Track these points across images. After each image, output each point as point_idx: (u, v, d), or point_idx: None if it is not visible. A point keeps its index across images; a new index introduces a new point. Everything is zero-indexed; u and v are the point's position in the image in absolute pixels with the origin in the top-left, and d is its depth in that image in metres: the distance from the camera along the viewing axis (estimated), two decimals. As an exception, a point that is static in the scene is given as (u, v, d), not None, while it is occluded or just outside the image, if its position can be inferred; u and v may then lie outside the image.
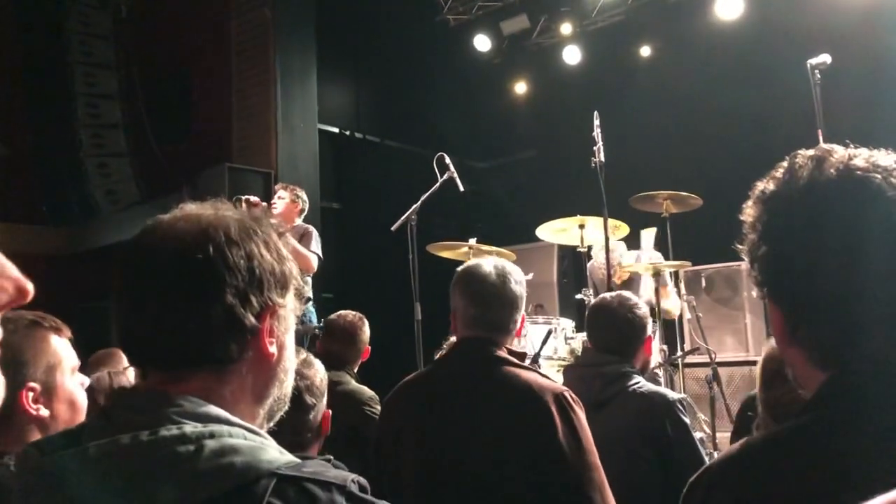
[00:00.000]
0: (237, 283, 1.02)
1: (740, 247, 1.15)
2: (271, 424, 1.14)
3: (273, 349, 1.08)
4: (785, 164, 1.11)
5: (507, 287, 2.30)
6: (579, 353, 4.57)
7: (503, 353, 2.24)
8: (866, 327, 0.99)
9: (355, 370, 3.73)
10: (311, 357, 2.01)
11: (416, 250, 4.78)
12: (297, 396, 1.86)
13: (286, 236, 1.15)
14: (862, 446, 0.94)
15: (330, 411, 2.02)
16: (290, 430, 1.79)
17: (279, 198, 5.62)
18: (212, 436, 0.94)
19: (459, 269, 2.39)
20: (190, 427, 0.95)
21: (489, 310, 2.28)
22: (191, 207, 1.09)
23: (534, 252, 7.40)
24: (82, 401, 1.72)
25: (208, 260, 1.01)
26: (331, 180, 8.78)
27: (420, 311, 4.66)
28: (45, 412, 1.63)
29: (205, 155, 7.96)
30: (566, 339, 4.72)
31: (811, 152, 1.09)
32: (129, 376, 2.83)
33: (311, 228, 5.60)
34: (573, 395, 2.16)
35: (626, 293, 3.03)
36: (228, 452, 0.93)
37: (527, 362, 2.32)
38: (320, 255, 5.47)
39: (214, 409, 0.99)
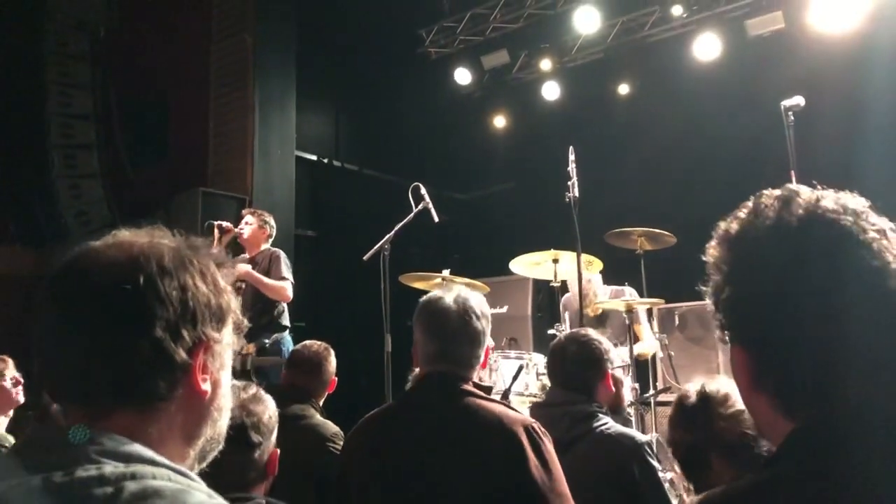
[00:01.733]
0: (168, 316, 0.97)
1: (704, 288, 1.11)
2: (203, 466, 1.07)
3: (206, 386, 1.03)
4: (749, 203, 1.08)
5: (468, 323, 2.25)
6: (549, 390, 4.51)
7: (469, 387, 2.19)
8: (838, 373, 0.95)
9: (321, 402, 3.63)
10: (262, 392, 1.92)
11: (388, 280, 4.72)
12: (243, 433, 1.78)
13: (227, 266, 1.09)
14: (840, 499, 0.89)
15: (278, 450, 1.93)
16: (234, 469, 1.71)
17: (246, 223, 5.54)
18: (133, 477, 0.87)
19: (421, 300, 2.34)
20: (110, 467, 0.88)
21: (450, 345, 2.23)
22: (124, 234, 1.04)
23: (509, 285, 7.37)
24: None
25: (137, 290, 0.96)
26: (307, 207, 8.73)
27: (390, 342, 4.59)
28: None
29: (179, 179, 7.89)
30: (538, 374, 4.66)
31: (777, 192, 1.07)
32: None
33: (279, 252, 5.50)
34: (542, 427, 2.12)
35: (584, 330, 2.99)
36: (150, 496, 0.86)
37: (496, 397, 2.27)
38: (291, 279, 5.38)
39: (138, 448, 0.92)
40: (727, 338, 1.06)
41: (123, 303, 0.95)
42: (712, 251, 1.08)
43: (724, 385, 1.89)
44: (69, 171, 7.80)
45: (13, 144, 8.18)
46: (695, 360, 6.71)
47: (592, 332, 2.95)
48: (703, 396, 1.89)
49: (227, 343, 1.07)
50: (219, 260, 1.08)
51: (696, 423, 1.89)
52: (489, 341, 2.37)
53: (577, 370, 2.81)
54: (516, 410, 2.22)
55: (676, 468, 4.77)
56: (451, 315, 2.25)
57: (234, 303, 1.08)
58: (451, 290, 2.34)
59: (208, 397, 1.04)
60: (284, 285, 5.31)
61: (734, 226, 1.06)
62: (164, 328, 0.96)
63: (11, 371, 3.96)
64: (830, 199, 1.02)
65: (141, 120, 8.66)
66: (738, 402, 1.84)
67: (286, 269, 5.38)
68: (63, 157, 7.80)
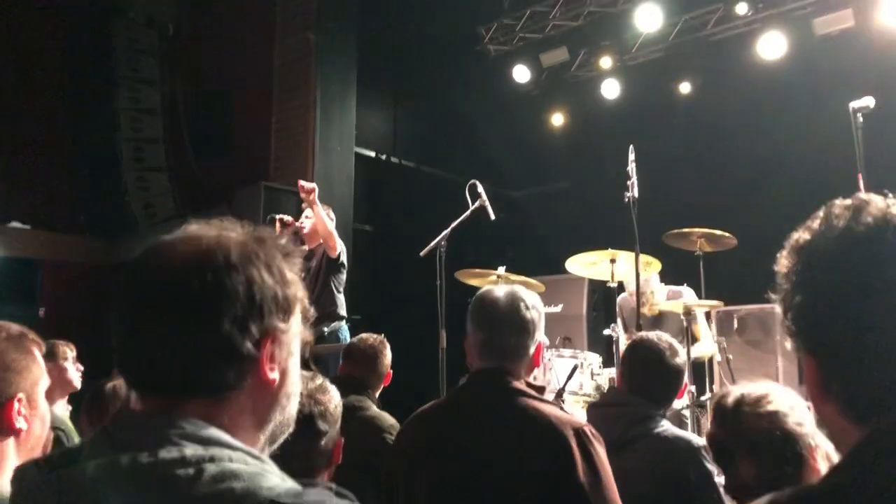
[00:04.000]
0: (235, 311, 1.00)
1: (774, 296, 1.12)
2: (274, 447, 1.11)
3: (274, 375, 1.06)
4: (821, 213, 1.08)
5: (516, 311, 2.23)
6: (605, 390, 4.50)
7: (521, 385, 2.18)
8: None
9: (377, 395, 3.69)
10: (327, 383, 1.98)
11: (444, 277, 4.76)
12: (310, 422, 1.83)
13: (294, 255, 1.12)
14: None
15: (342, 439, 1.98)
16: (301, 456, 1.77)
17: (307, 216, 5.63)
18: (212, 459, 0.92)
19: (474, 297, 2.36)
20: (190, 449, 0.93)
21: (497, 335, 2.23)
22: (193, 228, 1.07)
23: (564, 284, 7.35)
24: (48, 419, 1.70)
25: (205, 287, 0.99)
26: (365, 203, 8.83)
27: (445, 338, 4.63)
28: (24, 425, 1.60)
29: (242, 173, 8.06)
30: (592, 374, 4.65)
31: (848, 202, 1.06)
32: None
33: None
34: (594, 431, 2.09)
35: (670, 338, 2.90)
36: (228, 477, 0.91)
37: (550, 396, 2.28)
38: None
39: (216, 433, 0.97)
40: (797, 346, 1.07)
41: (192, 299, 0.99)
42: (783, 260, 1.08)
43: (770, 389, 1.91)
44: (137, 164, 8.05)
45: (85, 137, 8.48)
46: (753, 364, 6.60)
47: (674, 342, 2.87)
48: (737, 396, 1.92)
49: (294, 332, 1.10)
50: (286, 250, 1.10)
51: (726, 420, 1.91)
52: (542, 337, 2.35)
53: (662, 380, 2.76)
54: (567, 411, 2.21)
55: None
56: (499, 304, 2.25)
57: (300, 292, 1.10)
58: (501, 286, 2.35)
59: (276, 385, 1.07)
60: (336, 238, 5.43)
61: (805, 235, 1.07)
62: (232, 322, 0.99)
63: (73, 357, 4.14)
64: None
65: (206, 115, 8.88)
66: (773, 404, 1.85)
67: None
68: (132, 150, 8.05)
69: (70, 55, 8.57)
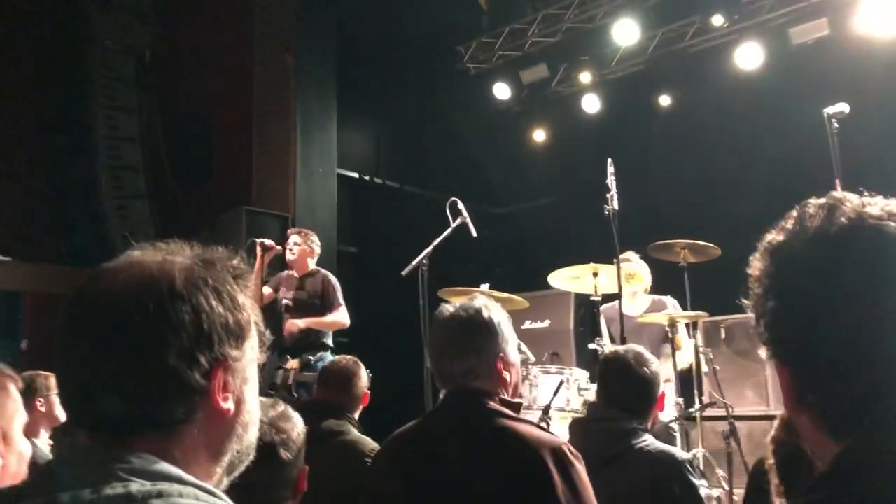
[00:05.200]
0: (181, 342, 0.95)
1: (746, 302, 1.07)
2: (233, 478, 1.06)
3: (228, 405, 1.01)
4: (794, 213, 1.03)
5: (460, 334, 2.15)
6: (590, 406, 4.45)
7: (495, 405, 2.11)
8: (883, 392, 0.90)
9: (356, 417, 3.64)
10: (290, 410, 1.91)
11: (426, 296, 4.72)
12: (272, 451, 1.77)
13: (246, 276, 1.07)
14: None
15: (307, 468, 1.92)
16: (263, 487, 1.71)
17: (295, 243, 5.68)
18: (159, 495, 0.88)
19: None
20: (136, 485, 0.88)
21: (439, 362, 2.18)
22: (137, 254, 1.02)
23: (550, 299, 7.30)
24: (27, 455, 1.64)
25: (148, 318, 0.94)
26: (348, 224, 8.81)
27: (429, 358, 4.58)
28: None
29: (223, 197, 8.02)
30: (580, 390, 4.60)
31: (822, 201, 1.01)
32: None
33: (330, 277, 5.72)
34: (572, 449, 2.03)
35: (639, 348, 2.93)
36: None
37: (536, 414, 2.22)
38: (344, 304, 5.60)
39: (166, 467, 0.92)
40: (770, 354, 1.03)
41: (133, 331, 0.94)
42: (756, 263, 1.03)
43: None
44: (117, 192, 7.98)
45: (63, 167, 8.41)
46: (741, 375, 6.57)
47: (646, 353, 2.87)
48: None
49: (249, 359, 1.05)
50: (237, 272, 1.05)
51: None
52: (508, 351, 2.22)
53: (636, 392, 2.74)
54: (546, 430, 2.14)
55: (724, 485, 4.64)
56: (441, 327, 2.19)
57: (253, 316, 1.05)
58: (456, 304, 2.25)
59: (231, 414, 1.02)
60: (341, 316, 5.58)
61: (778, 237, 1.01)
62: (178, 355, 0.95)
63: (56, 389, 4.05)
64: (877, 206, 0.96)
65: (186, 141, 8.83)
66: None
67: (340, 294, 5.62)
68: (111, 179, 7.99)
69: (45, 84, 8.51)
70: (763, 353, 1.04)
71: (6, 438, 1.58)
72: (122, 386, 0.94)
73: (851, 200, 0.99)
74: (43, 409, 4.00)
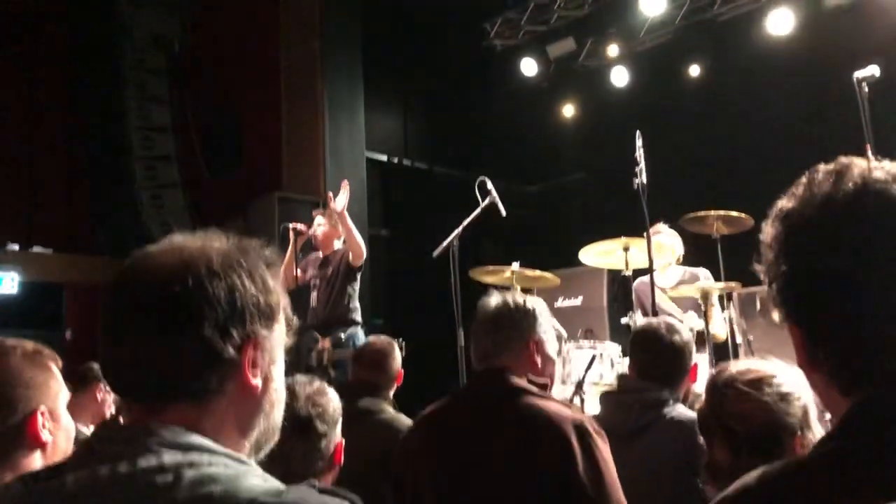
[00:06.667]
0: (216, 316, 1.01)
1: (758, 267, 1.10)
2: (260, 456, 1.11)
3: (257, 381, 1.07)
4: (804, 179, 1.06)
5: (497, 313, 2.27)
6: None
7: (520, 383, 2.16)
8: (891, 348, 0.93)
9: (391, 396, 3.70)
10: (325, 385, 2.00)
11: (458, 276, 4.75)
12: (309, 424, 1.85)
13: (277, 266, 1.13)
14: (887, 481, 0.87)
15: (343, 441, 1.99)
16: (301, 458, 1.78)
17: (318, 224, 5.68)
18: (191, 465, 0.93)
19: None
20: (169, 456, 0.94)
21: (477, 339, 2.29)
22: (177, 239, 1.09)
23: (582, 276, 7.28)
24: (72, 432, 1.72)
25: (186, 292, 1.01)
26: (379, 207, 8.85)
27: (463, 336, 4.62)
28: (49, 438, 1.62)
29: (256, 185, 8.12)
30: (613, 363, 4.61)
31: (830, 166, 1.04)
32: None
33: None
34: (595, 425, 2.07)
35: (670, 319, 2.95)
36: (206, 482, 0.92)
37: (570, 388, 2.26)
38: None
39: (196, 438, 0.98)
40: (783, 316, 1.05)
41: (173, 305, 1.01)
42: (767, 229, 1.07)
43: (775, 370, 1.81)
44: (151, 182, 8.14)
45: (98, 158, 8.58)
46: (779, 345, 6.45)
47: (676, 323, 2.91)
48: (731, 374, 1.82)
49: (277, 341, 1.11)
50: (269, 260, 1.12)
51: (710, 397, 1.84)
52: (544, 336, 2.32)
53: (667, 362, 2.77)
54: (569, 406, 2.18)
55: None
56: (483, 310, 2.31)
57: (283, 301, 1.12)
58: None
59: (259, 391, 1.08)
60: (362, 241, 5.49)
61: (788, 203, 1.05)
62: (213, 327, 1.01)
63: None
64: (883, 169, 0.99)
65: (217, 130, 8.95)
66: (767, 388, 1.77)
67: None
68: (145, 169, 8.14)
69: (81, 79, 8.67)
70: (776, 315, 1.07)
71: (54, 416, 1.65)
72: (160, 354, 1.00)
73: (858, 165, 1.01)
74: (104, 399, 4.14)
